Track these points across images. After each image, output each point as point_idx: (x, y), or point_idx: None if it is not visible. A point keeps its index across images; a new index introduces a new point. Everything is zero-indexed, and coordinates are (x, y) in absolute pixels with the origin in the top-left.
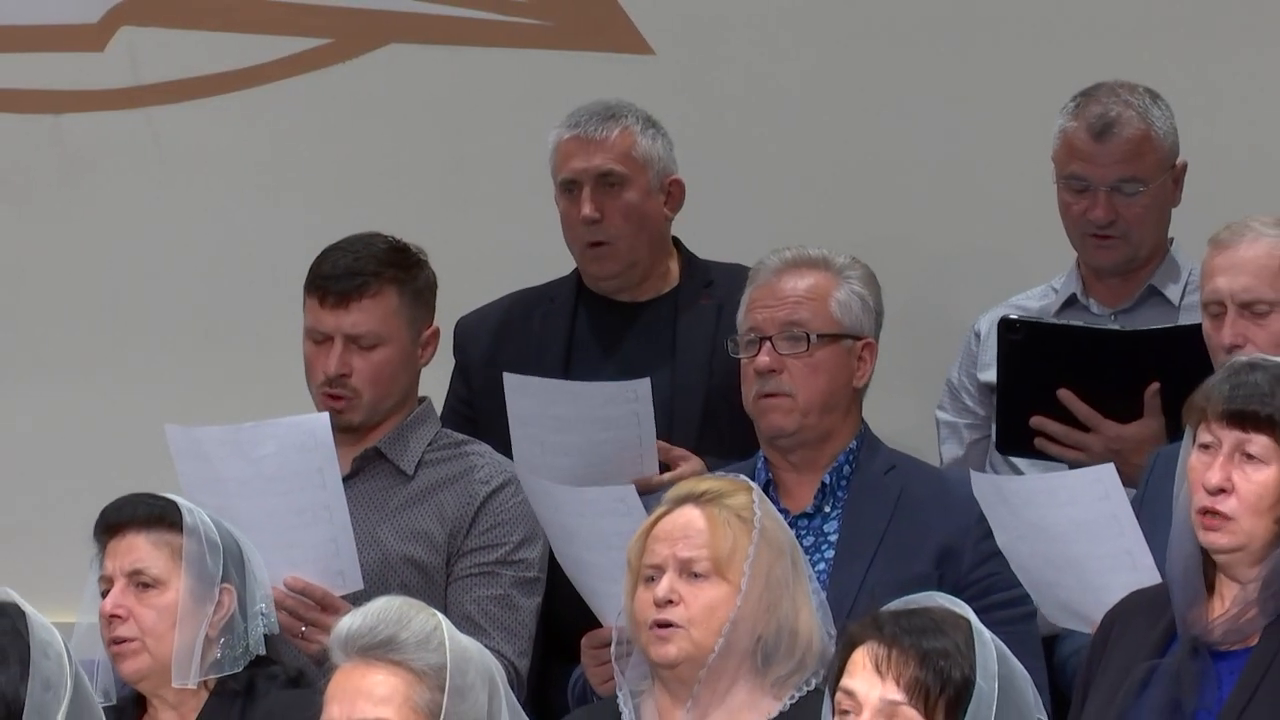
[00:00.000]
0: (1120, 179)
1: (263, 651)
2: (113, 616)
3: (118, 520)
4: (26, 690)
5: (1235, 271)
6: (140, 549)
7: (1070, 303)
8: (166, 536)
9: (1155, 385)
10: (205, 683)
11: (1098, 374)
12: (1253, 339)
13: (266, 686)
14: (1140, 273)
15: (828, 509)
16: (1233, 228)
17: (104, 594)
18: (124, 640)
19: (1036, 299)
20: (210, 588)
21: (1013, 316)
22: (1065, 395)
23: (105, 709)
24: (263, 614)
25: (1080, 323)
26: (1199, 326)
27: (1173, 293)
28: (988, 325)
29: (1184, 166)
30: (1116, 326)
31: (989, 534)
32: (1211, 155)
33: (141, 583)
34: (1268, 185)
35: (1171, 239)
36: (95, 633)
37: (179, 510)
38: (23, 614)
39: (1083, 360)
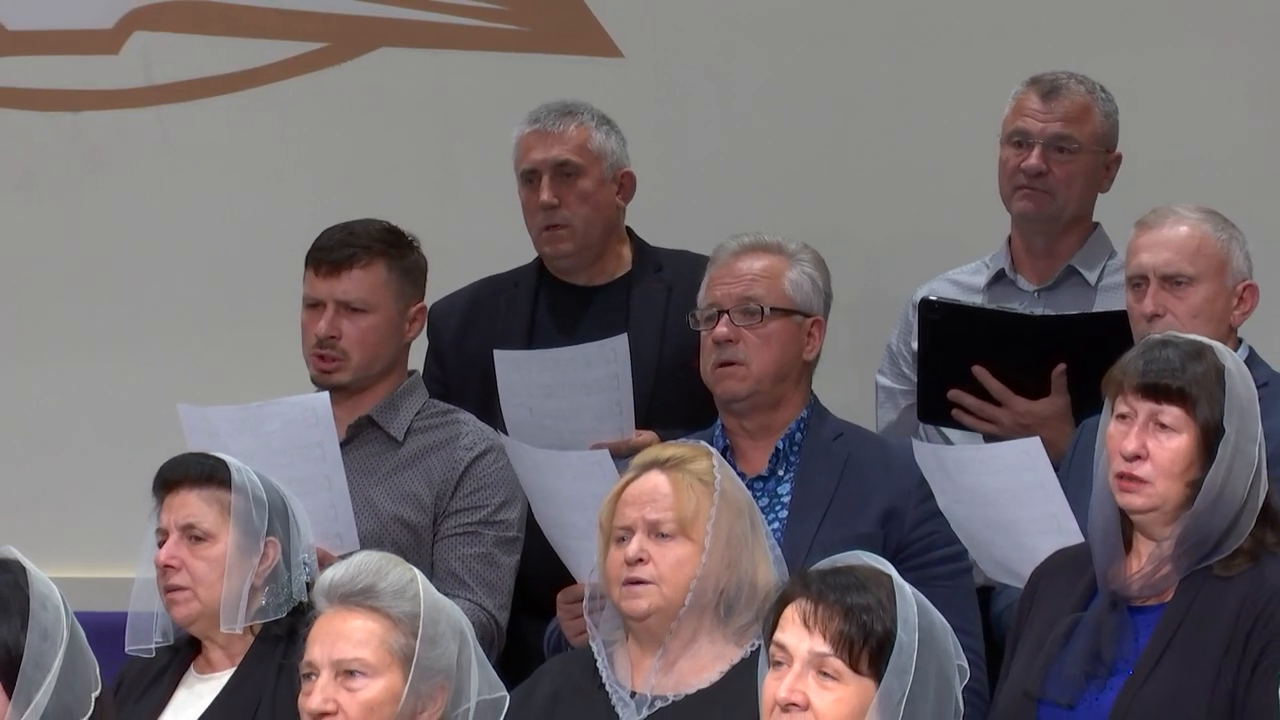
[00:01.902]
0: (1058, 135)
1: (305, 599)
2: (167, 567)
3: (173, 477)
4: (26, 639)
5: (1159, 248)
6: (192, 504)
7: (999, 278)
8: (217, 493)
9: (1061, 366)
10: (251, 627)
11: (1009, 354)
12: (1172, 309)
13: (306, 631)
14: (1063, 252)
15: (781, 472)
16: (1158, 211)
17: (160, 545)
18: (177, 588)
19: (969, 274)
20: (256, 541)
21: (933, 298)
22: (979, 371)
23: (162, 648)
24: (305, 564)
25: (995, 305)
26: (1103, 314)
27: (1091, 275)
28: (923, 296)
29: (1119, 158)
30: (1027, 311)
31: (929, 496)
32: (1134, 156)
33: (193, 536)
34: (1184, 184)
35: (1097, 224)
36: (153, 587)
37: (228, 469)
38: (23, 569)
39: (996, 341)
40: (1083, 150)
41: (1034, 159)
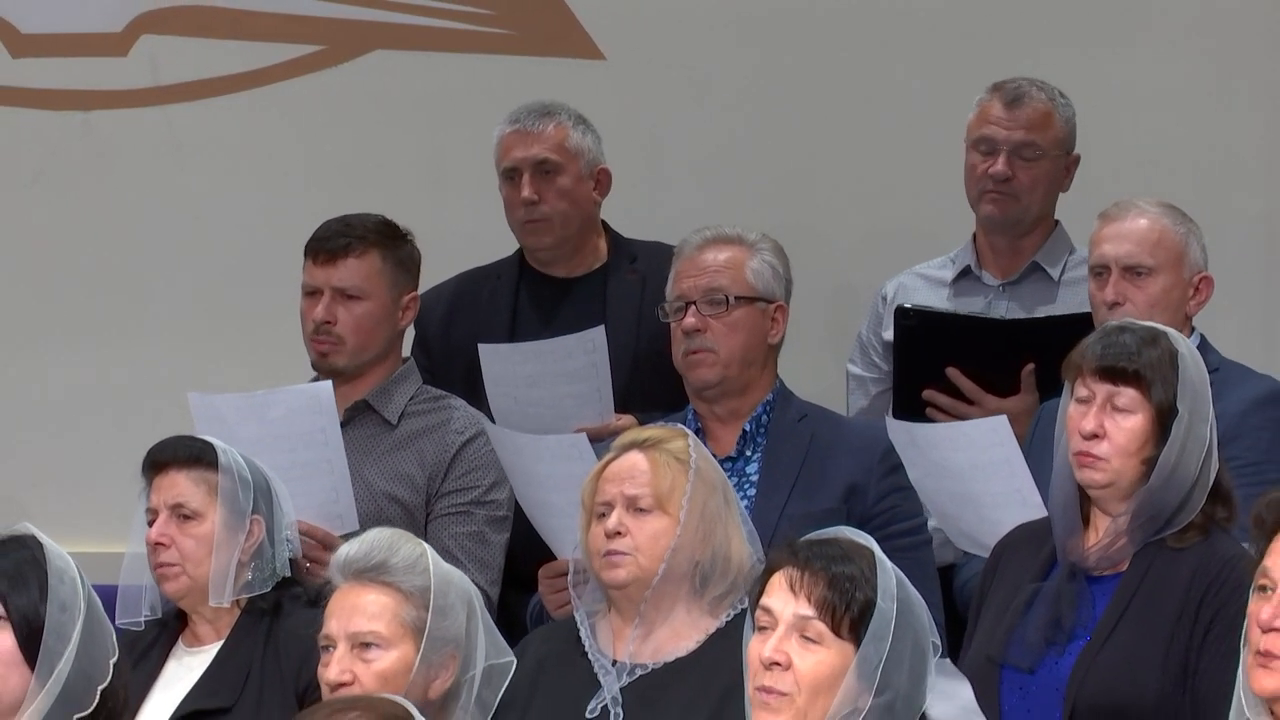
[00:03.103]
0: (1022, 143)
1: (288, 574)
2: (157, 544)
3: (162, 459)
4: (46, 612)
5: (1120, 240)
6: (181, 485)
7: (965, 273)
8: (204, 474)
9: (1030, 365)
10: (238, 601)
11: (980, 355)
12: (1131, 298)
13: (291, 605)
14: (1026, 249)
15: (749, 453)
16: (1120, 204)
17: (149, 524)
18: (167, 565)
19: (936, 268)
20: (242, 519)
21: (908, 306)
22: (953, 373)
23: (151, 622)
24: (288, 541)
25: (965, 311)
26: (1068, 316)
27: (1054, 270)
28: (893, 289)
29: (1077, 159)
30: (992, 314)
31: (889, 472)
32: (1093, 156)
33: (182, 515)
34: (1141, 181)
35: (1058, 222)
36: (143, 561)
37: (215, 451)
38: (41, 545)
39: (967, 343)
40: (1045, 155)
41: (999, 165)
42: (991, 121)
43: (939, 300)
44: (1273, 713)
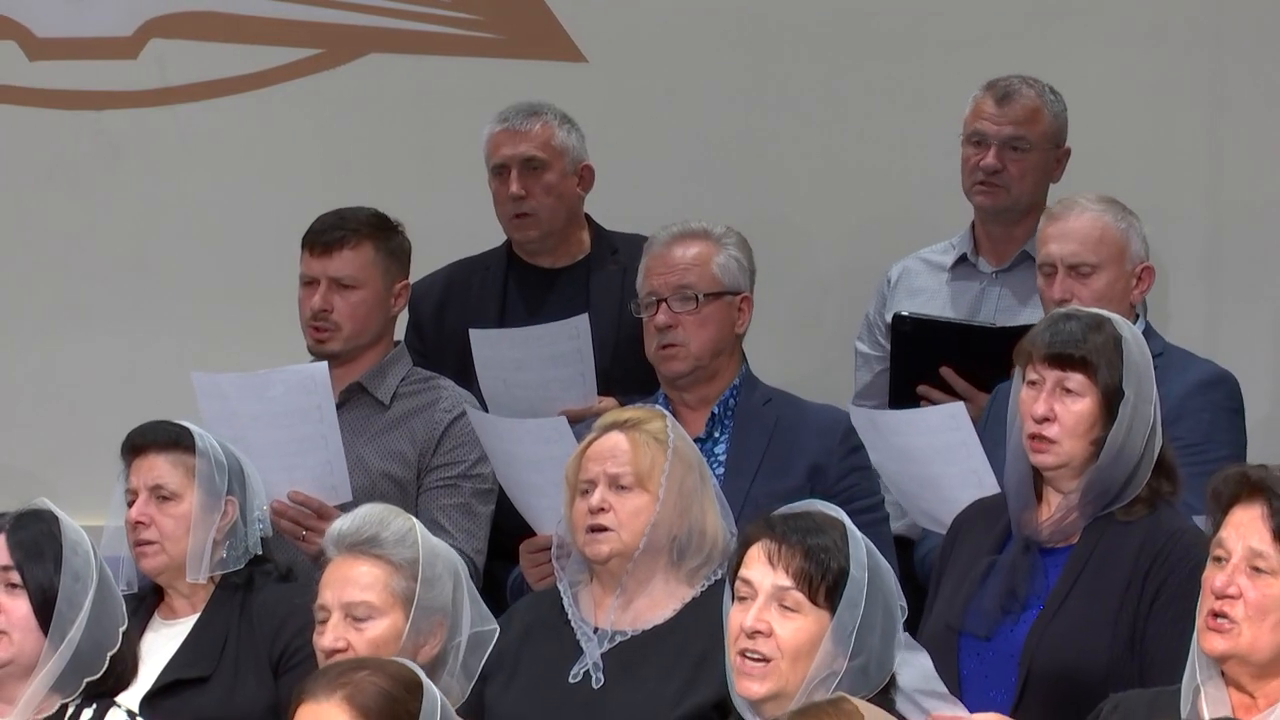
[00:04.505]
0: (1013, 136)
1: (260, 552)
2: (137, 523)
3: (141, 442)
4: (60, 582)
5: (1064, 239)
6: (160, 467)
7: (962, 260)
8: (182, 457)
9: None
10: (212, 577)
11: (970, 357)
12: (1078, 295)
13: (262, 581)
14: (1019, 237)
15: (717, 434)
16: (1063, 202)
17: (129, 504)
18: (146, 542)
19: (938, 253)
20: (217, 500)
21: (904, 313)
22: (946, 372)
23: (128, 596)
24: (260, 521)
25: (958, 319)
26: None
27: None
28: (897, 272)
29: (1068, 152)
30: (990, 302)
31: (849, 453)
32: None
33: (161, 495)
34: (1110, 173)
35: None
36: (122, 534)
37: (192, 435)
38: (56, 518)
39: (958, 346)
40: (1034, 148)
41: (990, 158)
42: (984, 117)
43: (938, 284)
44: (1223, 672)
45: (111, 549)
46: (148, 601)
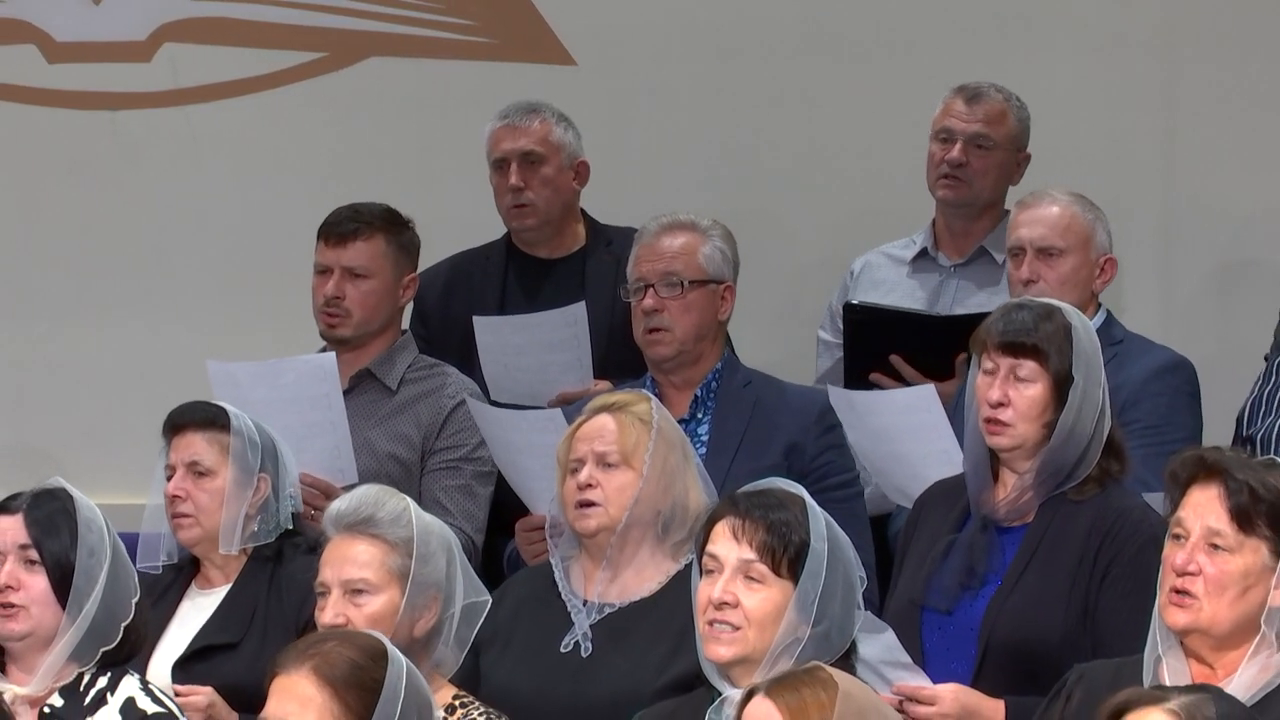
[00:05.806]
0: (979, 134)
1: (290, 526)
2: (174, 497)
3: (180, 421)
4: (76, 556)
5: (1034, 224)
6: (197, 445)
7: (922, 254)
8: (218, 435)
9: (963, 355)
10: (245, 549)
11: (920, 345)
12: (1044, 277)
13: (292, 553)
14: (977, 233)
15: (700, 415)
16: (1036, 193)
17: (168, 479)
18: (183, 515)
19: (900, 248)
20: (250, 476)
21: (854, 302)
22: (896, 360)
23: (168, 566)
24: (291, 497)
25: (906, 308)
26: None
27: (999, 256)
28: (859, 265)
29: (1028, 157)
30: (948, 293)
31: (825, 432)
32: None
33: (197, 471)
34: (1069, 171)
35: (1008, 211)
36: (163, 512)
37: (228, 415)
38: (71, 497)
39: (908, 335)
40: (997, 147)
41: (955, 153)
42: (952, 115)
43: (899, 276)
44: (1182, 644)
45: (153, 526)
46: (185, 572)
